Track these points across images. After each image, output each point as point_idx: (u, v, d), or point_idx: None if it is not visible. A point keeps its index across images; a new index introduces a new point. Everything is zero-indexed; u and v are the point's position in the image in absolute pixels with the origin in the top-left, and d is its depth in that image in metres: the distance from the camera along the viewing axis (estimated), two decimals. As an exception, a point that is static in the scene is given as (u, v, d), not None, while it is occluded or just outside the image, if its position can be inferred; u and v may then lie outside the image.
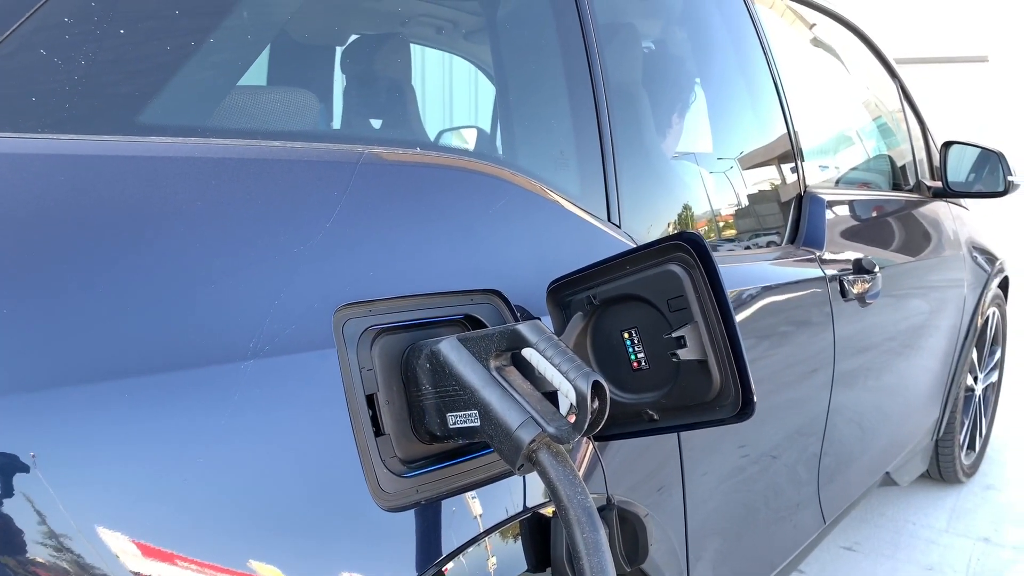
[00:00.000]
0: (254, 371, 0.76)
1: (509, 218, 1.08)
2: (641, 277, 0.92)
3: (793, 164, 1.81)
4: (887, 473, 2.55)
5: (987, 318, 3.23)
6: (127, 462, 0.67)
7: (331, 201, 0.88)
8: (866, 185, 2.49)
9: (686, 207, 1.52)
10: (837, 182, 2.29)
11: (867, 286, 1.84)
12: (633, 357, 0.95)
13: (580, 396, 0.79)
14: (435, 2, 1.19)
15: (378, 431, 0.88)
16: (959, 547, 2.83)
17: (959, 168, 2.52)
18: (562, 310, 1.01)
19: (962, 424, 3.20)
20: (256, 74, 1.03)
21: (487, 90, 1.39)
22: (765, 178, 1.78)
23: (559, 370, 0.81)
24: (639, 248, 0.92)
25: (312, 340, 0.82)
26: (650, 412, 0.95)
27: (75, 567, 0.63)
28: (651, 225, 1.39)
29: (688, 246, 0.87)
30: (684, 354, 0.88)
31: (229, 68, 0.92)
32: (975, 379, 3.27)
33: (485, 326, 0.99)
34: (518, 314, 1.02)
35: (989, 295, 3.09)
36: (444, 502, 0.89)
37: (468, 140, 1.52)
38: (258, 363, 0.77)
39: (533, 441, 0.81)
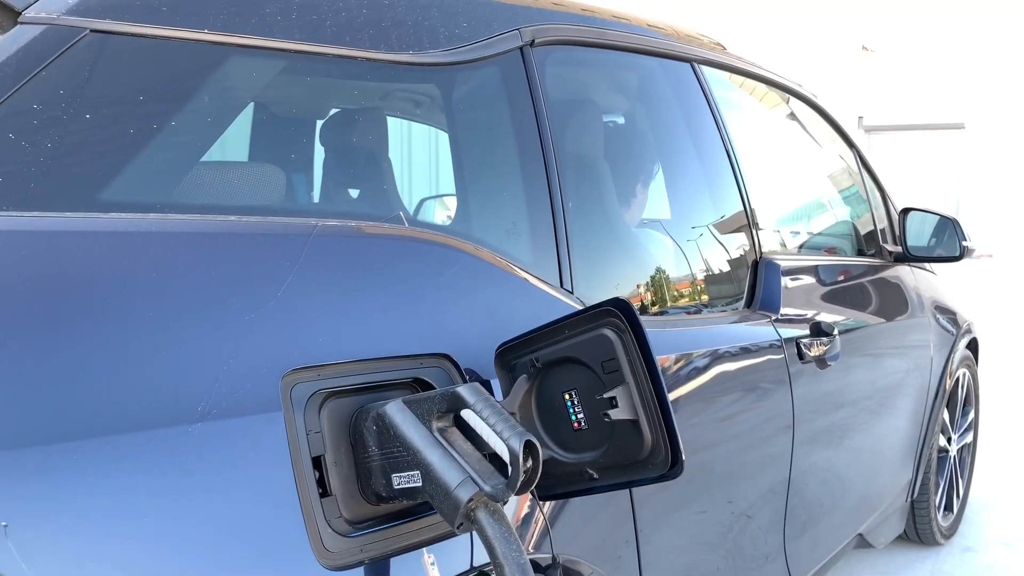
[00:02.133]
0: (202, 434, 0.80)
1: (461, 285, 1.13)
2: (577, 341, 0.97)
3: (748, 232, 1.88)
4: (860, 535, 2.56)
5: (957, 379, 3.28)
6: (76, 519, 0.71)
7: (283, 271, 0.94)
8: (829, 251, 2.57)
9: (640, 274, 1.59)
10: (800, 248, 2.37)
11: (825, 348, 1.90)
12: (573, 418, 0.99)
13: (512, 455, 0.83)
14: (392, 80, 1.26)
15: (325, 492, 0.91)
16: (937, 611, 2.82)
17: (919, 233, 2.61)
18: (509, 372, 1.06)
19: (937, 485, 3.22)
20: (219, 151, 1.09)
21: (445, 163, 1.46)
22: (720, 246, 1.85)
23: (494, 430, 0.85)
24: (575, 314, 0.97)
25: (260, 403, 0.86)
26: (590, 471, 0.98)
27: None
28: (604, 291, 1.45)
29: (618, 311, 0.93)
30: (615, 414, 0.92)
31: (190, 147, 0.98)
32: (948, 440, 3.30)
33: (434, 388, 1.03)
34: (467, 377, 1.07)
35: (957, 356, 3.14)
36: (388, 561, 0.92)
37: (424, 211, 1.59)
38: (206, 426, 0.81)
39: (471, 500, 0.85)
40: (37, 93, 0.85)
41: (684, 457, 0.91)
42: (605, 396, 0.93)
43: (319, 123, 1.41)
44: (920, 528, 3.17)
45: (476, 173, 1.33)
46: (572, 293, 1.33)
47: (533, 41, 1.39)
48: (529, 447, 0.83)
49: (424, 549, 0.95)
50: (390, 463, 0.92)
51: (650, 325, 1.51)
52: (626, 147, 1.73)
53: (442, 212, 1.78)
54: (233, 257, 0.91)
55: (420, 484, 0.89)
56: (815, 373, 1.92)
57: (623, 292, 1.53)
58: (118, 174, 0.89)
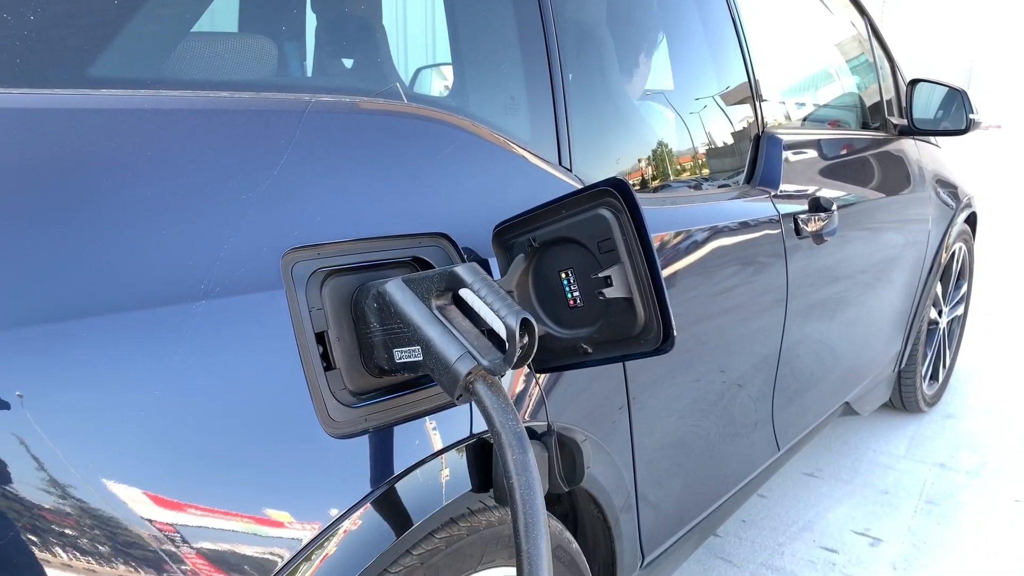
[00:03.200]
0: (206, 311, 0.82)
1: (458, 163, 1.12)
2: (574, 221, 0.97)
3: (752, 105, 1.85)
4: (847, 403, 2.66)
5: (952, 253, 3.31)
6: (88, 390, 0.74)
7: (278, 149, 0.93)
8: (833, 123, 2.52)
9: (640, 149, 1.57)
10: (804, 121, 2.33)
11: (822, 224, 1.90)
12: (569, 295, 1.01)
13: (509, 332, 0.85)
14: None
15: (329, 366, 0.94)
16: (915, 472, 2.97)
17: (926, 106, 2.56)
18: (506, 252, 1.07)
19: (925, 356, 3.31)
20: (209, 21, 1.06)
21: (441, 34, 1.41)
22: (723, 119, 1.82)
23: (491, 308, 0.87)
24: (573, 193, 0.97)
25: (261, 282, 0.87)
26: (584, 346, 1.01)
27: (36, 490, 0.70)
28: (603, 169, 1.44)
29: (615, 191, 0.93)
30: (610, 292, 0.94)
31: (178, 18, 0.95)
32: (939, 312, 3.37)
33: (432, 267, 1.05)
34: (465, 256, 1.08)
35: (954, 230, 3.16)
36: (392, 430, 0.96)
37: (420, 82, 1.54)
38: (209, 303, 0.82)
39: (469, 373, 0.88)
40: (14, -39, 0.82)
41: (676, 333, 0.93)
42: (600, 275, 0.95)
43: None
44: (905, 397, 3.29)
45: (472, 44, 1.29)
46: (571, 171, 1.32)
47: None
48: (525, 324, 0.86)
49: (426, 418, 1.00)
50: (391, 338, 0.95)
51: (649, 203, 1.51)
52: (628, 14, 1.67)
53: (440, 83, 1.72)
54: (228, 135, 0.90)
55: (421, 358, 0.92)
56: (811, 248, 1.93)
57: (622, 169, 1.52)
58: (105, 48, 0.86)
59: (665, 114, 1.76)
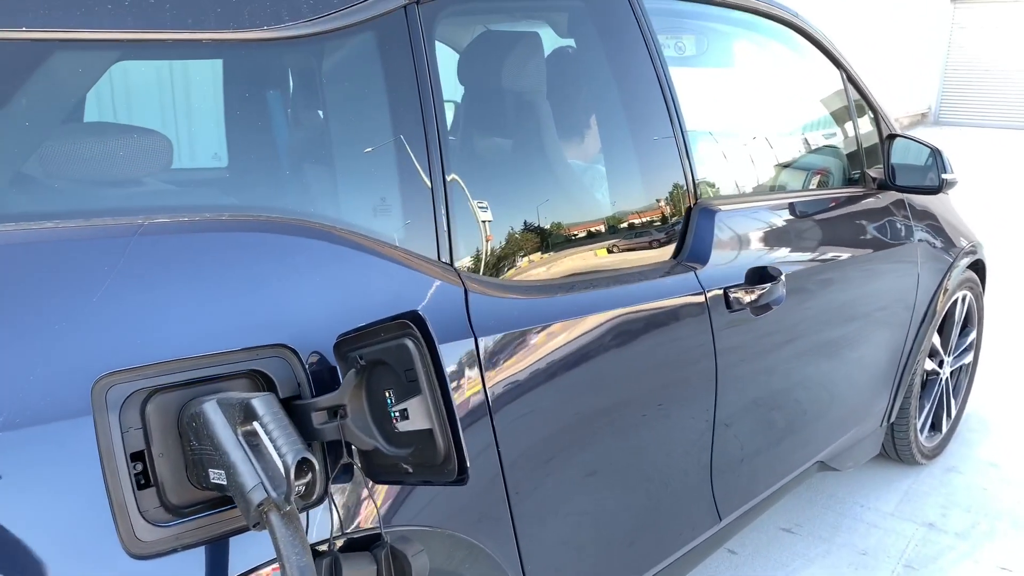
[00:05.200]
0: (5, 441, 0.87)
1: (309, 270, 1.15)
2: (386, 347, 0.99)
3: (683, 175, 1.83)
4: (822, 462, 2.60)
5: (955, 301, 3.19)
6: None
7: (101, 276, 0.97)
8: (797, 182, 2.47)
9: (543, 233, 1.57)
10: (755, 187, 2.29)
11: (759, 294, 1.87)
12: (393, 414, 1.03)
13: (285, 470, 0.88)
14: (248, 61, 1.24)
15: (147, 483, 0.98)
16: (900, 531, 2.87)
17: (903, 162, 2.49)
18: (345, 364, 1.09)
19: (921, 408, 3.21)
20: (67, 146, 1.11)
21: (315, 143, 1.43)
22: (646, 192, 1.80)
23: (274, 444, 0.90)
24: (384, 319, 0.99)
25: (70, 409, 0.92)
26: (405, 466, 1.03)
27: None
28: (497, 260, 1.45)
29: (412, 324, 0.94)
30: (404, 425, 0.96)
31: (8, 152, 1.00)
32: (940, 363, 3.26)
33: (272, 380, 1.08)
34: (307, 367, 1.11)
35: (954, 279, 3.04)
36: (204, 548, 1.00)
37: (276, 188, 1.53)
38: (8, 434, 0.87)
39: (261, 504, 0.91)
40: None
41: (469, 466, 0.95)
42: (396, 409, 0.96)
43: (162, 113, 1.39)
44: (900, 449, 3.18)
45: (344, 152, 1.31)
46: (451, 265, 1.34)
47: (418, -1, 1.33)
48: (304, 463, 0.88)
49: (243, 535, 1.03)
50: (206, 458, 0.98)
51: (552, 289, 1.51)
52: (531, 108, 1.67)
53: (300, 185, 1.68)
54: (47, 265, 0.95)
55: (226, 482, 0.95)
56: (748, 320, 1.90)
57: (522, 256, 1.52)
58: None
59: (578, 190, 1.76)
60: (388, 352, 0.99)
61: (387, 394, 1.03)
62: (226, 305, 1.06)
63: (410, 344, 0.96)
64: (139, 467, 0.98)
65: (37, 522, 0.88)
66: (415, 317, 0.95)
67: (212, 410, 0.98)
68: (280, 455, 0.89)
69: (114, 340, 0.96)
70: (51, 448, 0.90)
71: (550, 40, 1.84)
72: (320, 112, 1.36)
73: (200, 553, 0.99)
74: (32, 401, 0.89)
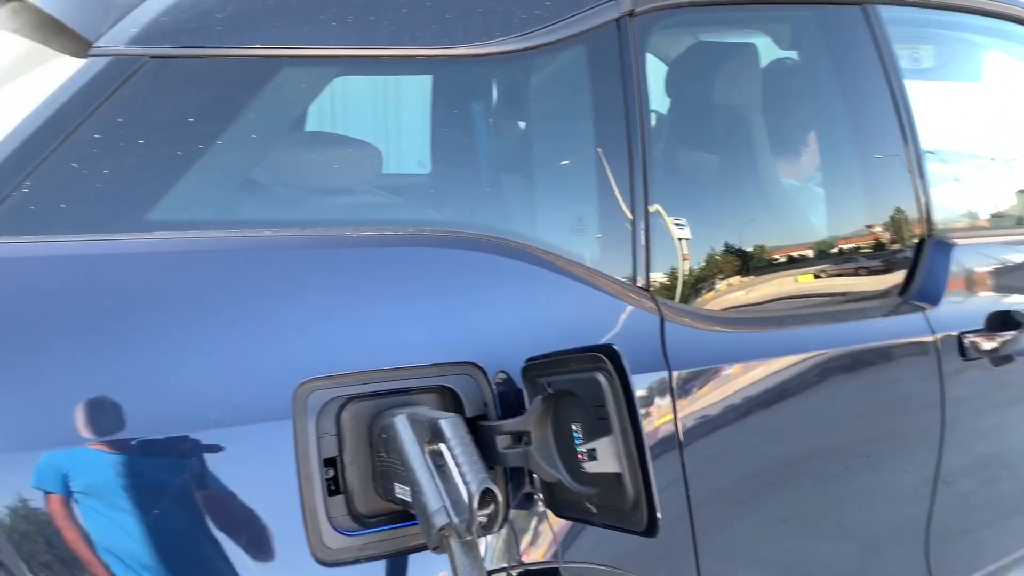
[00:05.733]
0: (214, 439, 0.92)
1: (502, 289, 1.13)
2: (576, 378, 0.94)
3: (916, 203, 1.63)
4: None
5: None
6: (93, 513, 0.86)
7: (310, 284, 1.01)
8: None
9: (752, 262, 1.46)
10: (997, 220, 2.01)
11: (1001, 342, 1.63)
12: (579, 449, 0.98)
13: (469, 499, 0.85)
14: (459, 76, 1.24)
15: (337, 490, 1.00)
16: None
17: None
18: (532, 389, 1.06)
19: None
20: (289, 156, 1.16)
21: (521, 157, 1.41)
22: (871, 220, 1.62)
23: (459, 471, 0.88)
24: (576, 349, 0.95)
25: (273, 411, 0.95)
26: (589, 505, 0.98)
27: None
28: (700, 289, 1.36)
29: (605, 358, 0.89)
30: (592, 467, 0.90)
31: (233, 164, 1.06)
32: None
33: (460, 398, 1.07)
34: (494, 387, 1.08)
35: None
36: (384, 561, 1.00)
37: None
38: (219, 432, 0.92)
39: (443, 528, 0.89)
40: (100, 123, 0.97)
41: (660, 517, 0.87)
42: (584, 447, 0.91)
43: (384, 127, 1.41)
44: None
45: (544, 168, 1.28)
46: (648, 291, 1.27)
47: (632, 11, 1.28)
48: (487, 493, 0.85)
49: (423, 553, 1.02)
50: (392, 472, 0.98)
51: (756, 325, 1.40)
52: (743, 122, 1.56)
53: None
54: (264, 271, 0.99)
55: (411, 499, 0.95)
56: (985, 370, 1.66)
57: (723, 281, 1.42)
58: (165, 195, 0.99)
59: (790, 212, 1.62)
60: (578, 384, 0.94)
61: (574, 427, 0.98)
62: (420, 319, 1.07)
63: (602, 380, 0.90)
64: (330, 473, 1.00)
65: (232, 519, 0.92)
66: (609, 352, 0.89)
67: (402, 425, 0.97)
68: (465, 482, 0.87)
69: (316, 347, 0.99)
70: (252, 448, 0.94)
71: (768, 51, 1.72)
72: (523, 126, 1.35)
73: (381, 566, 1.00)
74: (240, 401, 0.94)
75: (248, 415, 0.94)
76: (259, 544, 0.93)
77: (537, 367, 1.04)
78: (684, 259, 1.35)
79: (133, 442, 0.88)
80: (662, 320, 1.25)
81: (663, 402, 1.24)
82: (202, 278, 0.96)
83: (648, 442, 1.20)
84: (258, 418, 0.95)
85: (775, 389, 1.36)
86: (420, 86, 1.34)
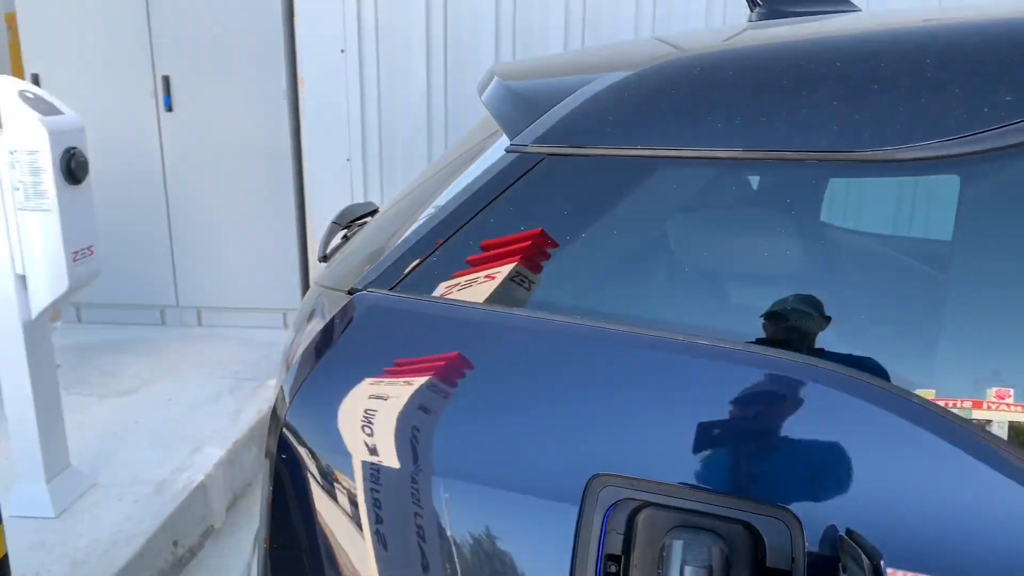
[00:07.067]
0: (510, 501, 1.02)
1: (867, 441, 0.96)
2: None
3: None
4: None
5: None
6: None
7: (626, 380, 1.03)
8: None
9: None
10: None
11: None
12: None
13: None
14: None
15: None
16: None
17: None
18: (847, 570, 0.89)
19: None
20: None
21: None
22: None
23: None
24: None
25: (562, 493, 1.01)
26: None
27: None
28: None
29: None
30: None
31: (607, 258, 1.12)
32: None
33: (764, 543, 0.96)
34: (806, 545, 0.94)
35: None
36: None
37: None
38: (514, 496, 1.02)
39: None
40: (497, 210, 1.14)
41: None
42: None
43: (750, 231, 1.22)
44: None
45: (967, 305, 1.02)
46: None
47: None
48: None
49: None
50: (663, 591, 0.94)
51: None
52: None
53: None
54: (598, 360, 1.05)
55: None
56: None
57: None
58: (542, 283, 1.12)
59: None
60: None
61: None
62: (747, 449, 0.99)
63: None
64: (612, 568, 1.01)
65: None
66: None
67: (676, 549, 0.93)
68: None
69: (615, 443, 1.01)
70: (536, 521, 1.01)
71: None
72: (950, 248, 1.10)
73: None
74: (536, 476, 1.01)
75: (539, 489, 1.01)
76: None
77: (859, 545, 0.87)
78: None
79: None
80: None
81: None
82: (557, 354, 1.06)
83: None
84: (548, 495, 1.01)
85: None
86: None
